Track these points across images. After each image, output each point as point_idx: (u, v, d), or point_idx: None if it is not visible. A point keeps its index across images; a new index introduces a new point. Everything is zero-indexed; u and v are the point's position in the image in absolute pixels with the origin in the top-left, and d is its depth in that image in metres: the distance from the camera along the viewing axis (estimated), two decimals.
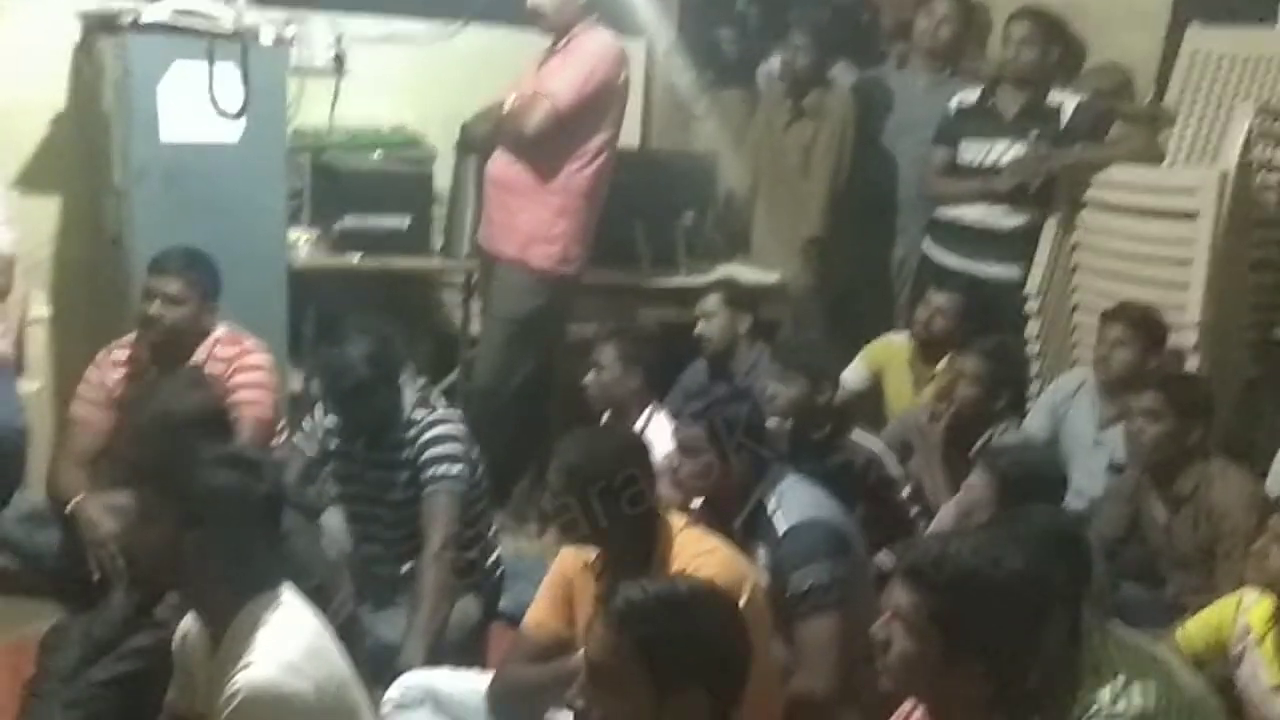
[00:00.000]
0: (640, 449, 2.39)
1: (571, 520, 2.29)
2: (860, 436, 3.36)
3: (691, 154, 4.29)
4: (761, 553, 2.51)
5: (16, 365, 3.62)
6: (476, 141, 3.72)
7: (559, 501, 2.29)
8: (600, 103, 3.52)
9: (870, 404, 3.90)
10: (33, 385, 3.63)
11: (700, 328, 3.74)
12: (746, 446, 2.57)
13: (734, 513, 2.57)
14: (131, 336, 3.16)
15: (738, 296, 3.81)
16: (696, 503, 2.67)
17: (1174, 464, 2.94)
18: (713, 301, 3.77)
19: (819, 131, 4.18)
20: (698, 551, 2.27)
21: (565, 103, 3.42)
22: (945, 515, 3.02)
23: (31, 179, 3.79)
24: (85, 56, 3.73)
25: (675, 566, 2.24)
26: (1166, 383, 2.97)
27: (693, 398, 2.83)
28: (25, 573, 3.07)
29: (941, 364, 3.71)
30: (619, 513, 2.26)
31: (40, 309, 3.70)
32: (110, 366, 3.14)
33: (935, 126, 4.07)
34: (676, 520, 2.37)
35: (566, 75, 3.44)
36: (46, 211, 3.86)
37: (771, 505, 2.52)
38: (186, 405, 2.57)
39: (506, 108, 3.55)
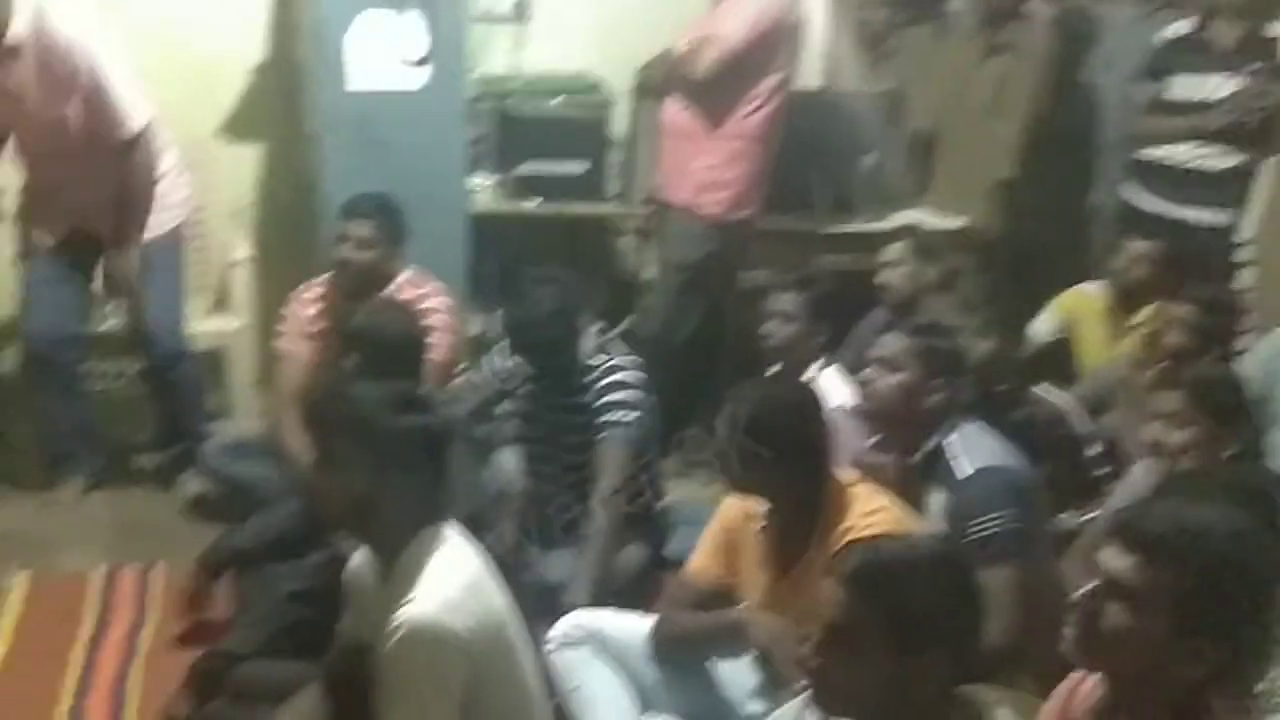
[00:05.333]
0: (814, 403, 2.33)
1: (739, 471, 2.27)
2: (1047, 391, 3.21)
3: (873, 95, 4.13)
4: (938, 498, 2.43)
5: (218, 301, 3.84)
6: (652, 87, 3.69)
7: (728, 451, 2.26)
8: (772, 43, 3.43)
9: (1060, 357, 3.72)
10: (235, 323, 3.85)
11: (884, 277, 3.62)
12: (945, 381, 2.48)
13: (915, 449, 2.49)
14: (325, 276, 3.31)
15: (925, 245, 3.67)
16: (872, 441, 2.60)
17: None
18: (898, 249, 3.63)
19: (1015, 67, 3.97)
20: (867, 510, 2.22)
21: (736, 44, 3.35)
22: (1140, 472, 2.86)
23: (234, 129, 3.97)
24: (283, 8, 3.88)
25: (844, 524, 2.20)
26: None
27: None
28: (225, 500, 3.27)
29: (1142, 315, 3.51)
30: (788, 467, 2.23)
31: (243, 251, 3.91)
32: (306, 303, 3.31)
33: (1142, 61, 3.82)
34: (847, 477, 2.32)
35: (737, 16, 3.37)
36: (248, 160, 4.04)
37: (954, 449, 2.43)
38: (390, 329, 2.67)
39: (678, 52, 3.50)
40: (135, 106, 3.16)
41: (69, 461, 3.49)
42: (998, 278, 3.92)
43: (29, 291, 3.35)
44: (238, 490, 3.21)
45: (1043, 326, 3.72)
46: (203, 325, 3.74)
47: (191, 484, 3.43)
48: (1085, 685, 1.69)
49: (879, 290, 3.61)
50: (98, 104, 3.11)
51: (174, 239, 3.41)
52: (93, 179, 3.22)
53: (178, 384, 3.47)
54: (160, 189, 3.31)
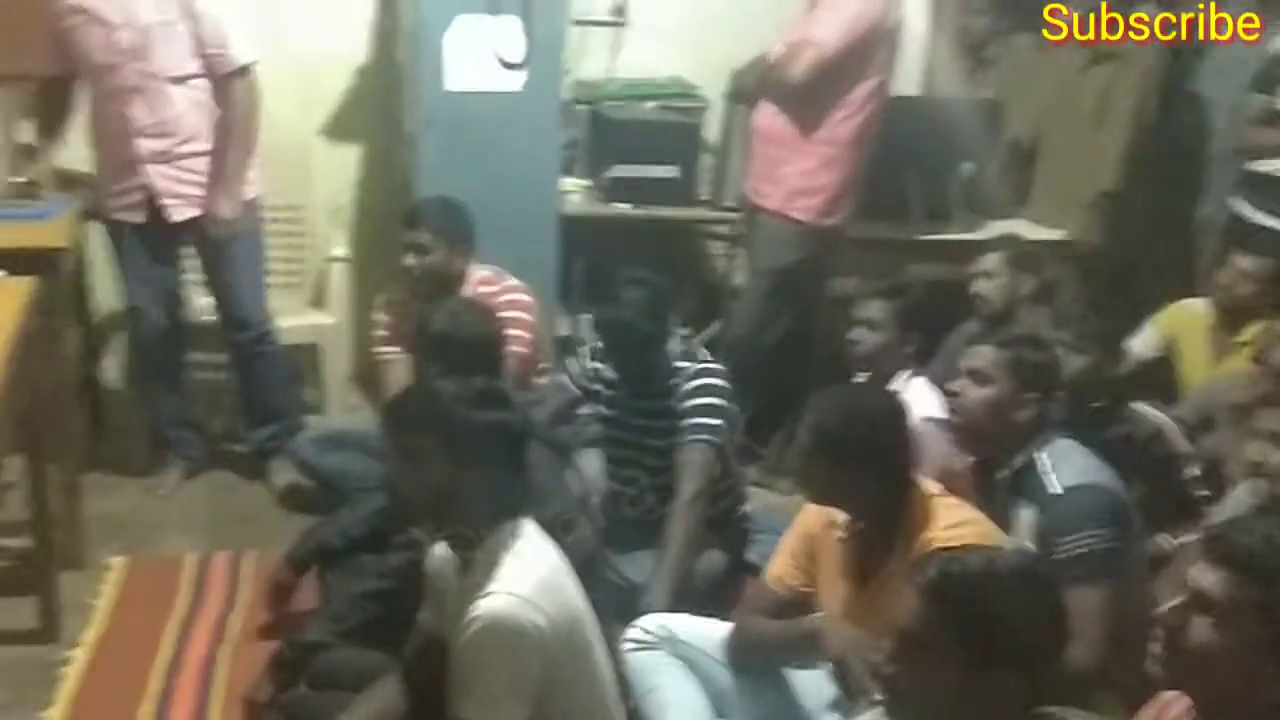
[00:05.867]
0: (897, 414, 2.29)
1: (818, 480, 2.24)
2: (1145, 409, 3.12)
3: (971, 102, 4.07)
4: (1027, 514, 2.38)
5: (315, 297, 3.92)
6: (745, 91, 3.68)
7: (808, 460, 2.24)
8: (868, 48, 3.39)
9: (1161, 374, 3.61)
10: (330, 319, 3.94)
11: (978, 287, 3.55)
12: (1037, 395, 2.42)
13: (1004, 463, 2.44)
14: None
15: (1022, 256, 3.59)
16: (963, 462, 2.55)
17: None
18: (994, 260, 3.55)
19: (1120, 76, 3.86)
20: (951, 522, 2.17)
21: (832, 49, 3.32)
22: (1241, 493, 2.76)
23: (335, 129, 4.07)
24: (385, 11, 3.96)
25: (926, 536, 2.15)
26: None
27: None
28: (316, 492, 3.34)
29: (1247, 332, 3.39)
30: (868, 478, 2.19)
31: (340, 248, 3.99)
32: (388, 307, 3.35)
33: (1254, 71, 3.69)
34: (930, 488, 2.28)
35: (832, 20, 3.34)
36: (348, 159, 4.13)
37: (1045, 464, 2.37)
38: (462, 330, 2.71)
39: (772, 56, 3.48)
40: (242, 40, 3.21)
41: (171, 449, 3.60)
42: (1097, 291, 3.81)
43: (126, 285, 3.44)
44: (329, 483, 3.27)
45: (1143, 342, 3.61)
46: (299, 320, 3.83)
47: (284, 475, 3.51)
48: (1173, 709, 1.63)
49: (973, 301, 3.55)
50: (202, 32, 3.16)
51: (251, 211, 3.42)
52: (166, 125, 3.24)
53: (263, 362, 3.52)
54: None
